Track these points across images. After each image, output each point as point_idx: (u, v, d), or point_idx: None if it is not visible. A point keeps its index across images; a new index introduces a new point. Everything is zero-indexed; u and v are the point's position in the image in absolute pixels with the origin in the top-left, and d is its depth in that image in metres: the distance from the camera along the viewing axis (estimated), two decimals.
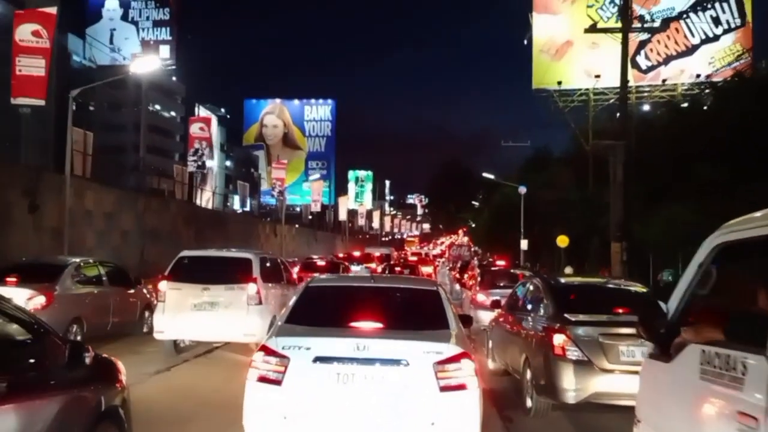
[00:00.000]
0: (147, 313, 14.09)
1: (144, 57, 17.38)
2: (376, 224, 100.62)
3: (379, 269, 35.54)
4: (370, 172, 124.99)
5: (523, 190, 35.08)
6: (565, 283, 9.10)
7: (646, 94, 38.45)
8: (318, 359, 4.88)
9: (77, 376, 4.14)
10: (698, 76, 35.30)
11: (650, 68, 37.79)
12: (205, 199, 46.77)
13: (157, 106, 70.44)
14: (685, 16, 35.83)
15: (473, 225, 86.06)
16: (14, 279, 11.06)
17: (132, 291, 13.85)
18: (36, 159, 34.09)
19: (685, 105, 28.85)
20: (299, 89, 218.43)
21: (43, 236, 17.77)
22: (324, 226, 66.72)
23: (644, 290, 8.55)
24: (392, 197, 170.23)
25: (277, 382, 4.87)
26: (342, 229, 70.73)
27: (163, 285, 10.98)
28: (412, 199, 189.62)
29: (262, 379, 4.94)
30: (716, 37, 36.91)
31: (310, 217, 63.53)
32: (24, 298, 10.24)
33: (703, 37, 37.11)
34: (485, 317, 13.98)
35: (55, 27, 15.93)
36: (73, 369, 4.11)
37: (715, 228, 3.47)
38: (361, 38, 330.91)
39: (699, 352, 3.14)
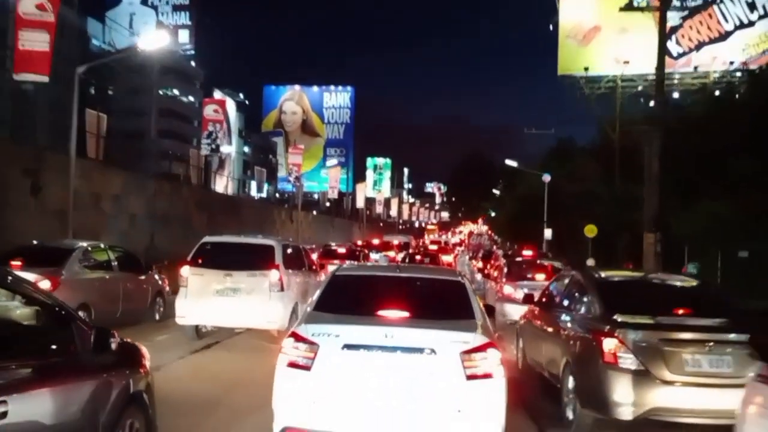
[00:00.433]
0: (159, 300, 13.78)
1: (153, 33, 16.56)
2: (393, 212, 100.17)
3: (398, 257, 34.96)
4: (388, 160, 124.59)
5: (547, 178, 34.26)
6: (612, 277, 8.09)
7: (676, 81, 37.19)
8: (347, 346, 4.96)
9: (104, 362, 4.18)
10: (731, 63, 34.08)
11: (681, 54, 36.53)
12: (222, 184, 46.46)
13: (176, 91, 69.96)
14: (719, 0, 34.59)
15: (493, 214, 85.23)
16: (19, 263, 10.58)
17: (143, 277, 13.46)
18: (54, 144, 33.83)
19: (717, 93, 27.72)
20: (319, 76, 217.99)
21: (47, 219, 17.14)
22: (341, 214, 66.24)
23: (701, 285, 7.72)
24: (410, 185, 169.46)
25: (307, 368, 4.95)
26: (359, 216, 70.25)
27: (186, 270, 11.00)
28: (430, 187, 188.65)
29: (292, 365, 5.02)
30: (751, 23, 35.59)
31: (327, 204, 63.10)
32: None
33: (737, 23, 35.80)
34: (512, 311, 13.21)
35: (61, 1, 15.24)
36: (99, 354, 4.13)
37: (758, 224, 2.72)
38: (383, 26, 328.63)
39: None
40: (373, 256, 29.86)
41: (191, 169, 32.16)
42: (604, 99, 36.81)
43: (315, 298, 5.77)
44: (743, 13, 35.42)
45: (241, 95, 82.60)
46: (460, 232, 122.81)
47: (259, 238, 12.92)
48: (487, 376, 4.92)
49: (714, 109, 19.28)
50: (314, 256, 16.93)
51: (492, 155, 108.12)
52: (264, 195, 59.90)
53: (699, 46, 36.06)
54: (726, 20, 35.89)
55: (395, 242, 41.92)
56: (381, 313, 5.35)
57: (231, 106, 58.10)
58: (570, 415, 6.77)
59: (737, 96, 21.61)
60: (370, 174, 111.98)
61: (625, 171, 27.99)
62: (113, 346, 4.26)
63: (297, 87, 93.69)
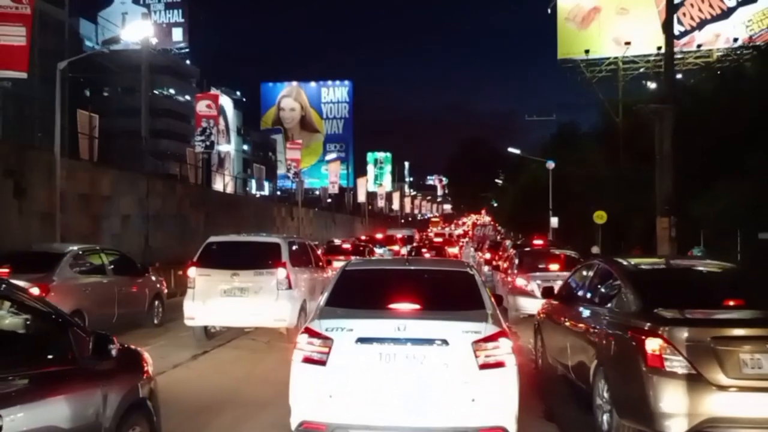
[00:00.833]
0: (157, 303, 13.36)
1: (137, 23, 15.82)
2: (395, 206, 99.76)
3: (403, 251, 34.50)
4: (389, 154, 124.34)
5: (551, 165, 33.66)
6: (648, 267, 7.23)
7: (678, 61, 36.46)
8: (360, 340, 5.04)
9: (103, 369, 4.09)
10: (735, 40, 33.35)
11: (683, 33, 35.78)
12: (223, 183, 45.91)
13: (171, 90, 69.27)
14: None
15: (495, 204, 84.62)
16: (6, 269, 10.10)
17: (139, 280, 12.99)
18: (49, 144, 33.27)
19: (726, 69, 27.04)
20: (316, 71, 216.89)
21: (32, 222, 16.50)
22: (343, 209, 65.71)
23: (741, 271, 7.09)
24: (411, 179, 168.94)
25: (322, 363, 5.03)
26: (361, 211, 69.75)
27: (192, 271, 10.97)
28: (431, 180, 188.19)
29: (307, 360, 5.09)
30: None
31: (329, 200, 62.63)
32: None
33: None
34: (526, 305, 12.67)
35: None
36: (98, 361, 4.04)
37: None
38: (380, 18, 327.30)
39: None
40: (377, 250, 29.35)
41: (189, 168, 31.41)
42: (605, 82, 36.16)
43: (327, 294, 5.81)
44: None
45: (239, 93, 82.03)
46: (464, 224, 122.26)
47: (264, 236, 12.95)
48: (499, 364, 4.97)
49: (729, 85, 18.56)
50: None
51: (493, 144, 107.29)
52: (266, 193, 59.33)
53: (701, 24, 35.38)
54: None
55: (399, 236, 41.57)
56: (392, 306, 5.41)
57: (228, 104, 57.51)
58: (605, 426, 6.00)
59: (747, 72, 20.83)
60: (370, 168, 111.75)
61: (630, 153, 27.46)
62: (113, 352, 4.17)
63: (294, 83, 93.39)
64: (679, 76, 36.17)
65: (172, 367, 9.27)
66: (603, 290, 6.91)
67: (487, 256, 25.72)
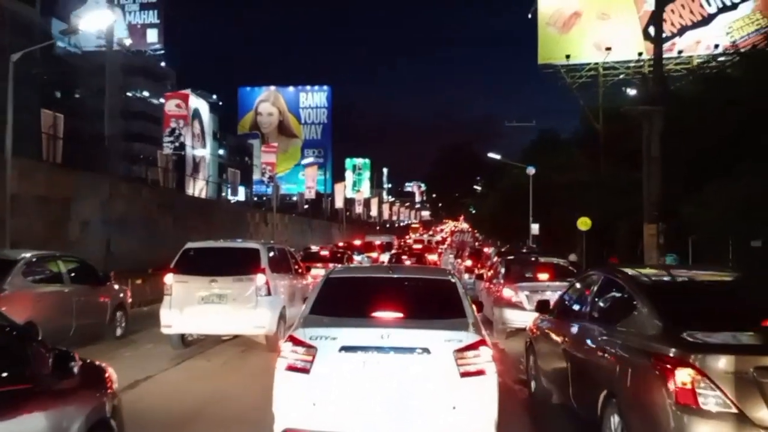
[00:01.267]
0: (120, 314, 12.56)
1: (97, 12, 14.83)
2: (374, 212, 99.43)
3: (382, 258, 33.90)
4: (367, 160, 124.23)
5: (531, 170, 33.27)
6: (665, 279, 6.25)
7: (651, 71, 36.37)
8: (344, 348, 5.08)
9: (64, 387, 3.90)
10: (716, 46, 33.23)
11: (664, 40, 35.66)
12: (198, 188, 44.88)
13: (146, 93, 67.95)
14: None
15: (473, 211, 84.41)
16: None
17: (100, 289, 12.15)
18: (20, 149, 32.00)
19: (710, 73, 26.84)
20: (295, 77, 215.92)
21: None
22: (320, 215, 64.92)
23: (749, 280, 6.18)
24: (390, 185, 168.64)
25: (305, 371, 5.06)
26: (339, 217, 69.03)
27: (169, 278, 10.77)
28: (410, 186, 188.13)
29: (291, 368, 5.12)
30: (734, 6, 34.81)
31: (306, 206, 61.87)
32: None
33: (720, 5, 35.03)
34: (514, 317, 11.80)
35: None
36: (59, 379, 3.86)
37: None
38: (358, 25, 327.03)
39: None
40: (356, 257, 28.68)
41: (160, 171, 30.28)
42: (586, 88, 35.94)
43: (310, 302, 5.83)
44: None
45: (215, 96, 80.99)
46: (442, 231, 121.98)
47: (244, 242, 12.86)
48: (480, 372, 5.03)
49: (713, 91, 18.15)
50: None
51: (473, 151, 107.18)
52: (242, 198, 58.27)
53: (682, 30, 35.23)
54: (709, 3, 35.12)
55: (377, 243, 41.02)
56: (376, 314, 5.46)
57: (204, 107, 56.33)
58: None
59: (732, 76, 20.47)
60: (349, 175, 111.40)
61: (612, 160, 27.16)
62: (75, 369, 4.01)
63: (272, 88, 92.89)
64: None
65: (138, 381, 8.70)
66: (611, 306, 6.06)
67: (468, 263, 24.99)
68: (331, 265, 17.53)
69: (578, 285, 7.22)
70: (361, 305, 5.65)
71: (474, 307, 5.84)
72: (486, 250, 36.84)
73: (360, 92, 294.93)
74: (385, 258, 35.33)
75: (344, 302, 5.83)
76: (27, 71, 13.82)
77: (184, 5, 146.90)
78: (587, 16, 36.29)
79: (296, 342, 5.17)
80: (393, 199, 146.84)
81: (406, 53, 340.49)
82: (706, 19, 35.25)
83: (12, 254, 10.98)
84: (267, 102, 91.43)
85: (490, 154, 44.84)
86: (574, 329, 6.45)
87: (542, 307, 7.70)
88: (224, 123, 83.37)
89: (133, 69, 63.54)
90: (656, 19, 15.57)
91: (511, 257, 15.92)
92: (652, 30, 34.66)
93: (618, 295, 5.93)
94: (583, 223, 23.78)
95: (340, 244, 41.78)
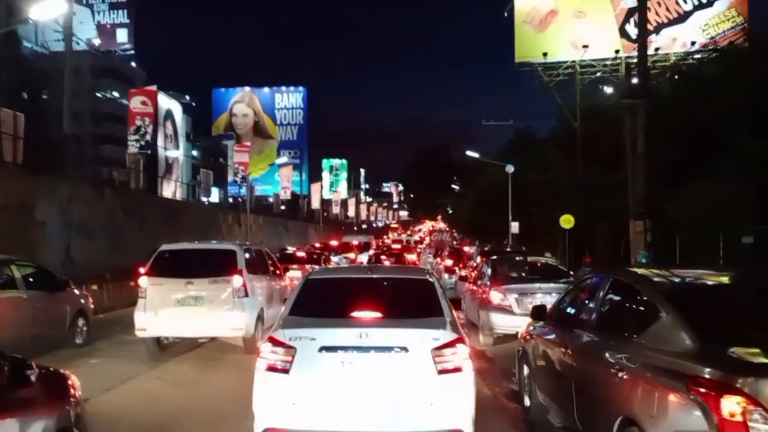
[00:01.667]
0: (80, 321, 11.97)
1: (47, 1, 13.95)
2: (351, 213, 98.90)
3: (360, 258, 33.39)
4: (344, 161, 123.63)
5: (510, 168, 32.96)
6: (691, 283, 5.26)
7: (635, 64, 36.29)
8: (323, 348, 5.15)
9: (21, 397, 3.81)
10: (693, 44, 33.29)
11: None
12: (171, 189, 43.88)
13: (115, 93, 66.51)
14: None
15: (450, 211, 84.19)
16: None
17: (58, 296, 11.52)
18: None
19: (689, 69, 26.75)
20: (270, 79, 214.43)
21: None
22: (296, 216, 64.11)
23: None
24: (367, 186, 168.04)
25: (285, 371, 5.13)
26: (315, 218, 68.27)
27: (144, 281, 10.60)
28: (387, 187, 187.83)
29: (271, 369, 5.18)
30: (710, 3, 35.02)
31: (282, 207, 61.07)
32: None
33: (696, 2, 35.20)
34: (503, 321, 11.13)
35: None
36: (15, 389, 3.77)
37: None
38: (334, 26, 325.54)
39: None
40: (333, 258, 28.09)
41: (130, 173, 29.27)
42: (563, 86, 35.75)
43: (290, 303, 5.87)
44: None
45: (187, 97, 79.70)
46: (420, 230, 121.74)
47: (219, 243, 12.85)
48: (457, 369, 5.10)
49: (692, 85, 17.92)
50: None
51: (450, 151, 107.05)
52: (216, 200, 57.36)
53: (658, 28, 35.22)
54: (685, 0, 35.21)
55: (355, 243, 40.47)
56: (355, 314, 5.52)
57: (177, 108, 55.27)
58: None
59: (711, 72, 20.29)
60: (326, 175, 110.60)
61: (589, 158, 26.96)
62: (32, 377, 3.89)
63: (247, 88, 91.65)
64: (635, 81, 36.07)
65: (109, 389, 8.33)
66: (624, 314, 5.29)
67: (449, 263, 24.33)
68: (308, 266, 17.16)
69: (579, 288, 6.47)
70: (340, 306, 5.72)
71: (448, 302, 5.88)
72: (467, 249, 36.28)
73: (337, 95, 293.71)
74: (363, 258, 34.84)
75: (323, 303, 5.89)
76: (7, 80, 12.96)
77: (155, 5, 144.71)
78: (564, 14, 36.29)
79: (276, 343, 5.23)
80: (370, 199, 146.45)
81: (382, 56, 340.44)
82: (683, 17, 35.38)
83: None
84: (242, 103, 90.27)
85: (468, 152, 44.54)
86: (578, 340, 5.61)
87: (538, 313, 6.78)
88: (198, 124, 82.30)
89: (103, 70, 62.09)
90: (639, 10, 15.20)
91: (497, 257, 14.95)
92: (628, 27, 34.95)
93: (632, 301, 5.16)
94: (566, 221, 23.26)
95: (317, 244, 41.16)
